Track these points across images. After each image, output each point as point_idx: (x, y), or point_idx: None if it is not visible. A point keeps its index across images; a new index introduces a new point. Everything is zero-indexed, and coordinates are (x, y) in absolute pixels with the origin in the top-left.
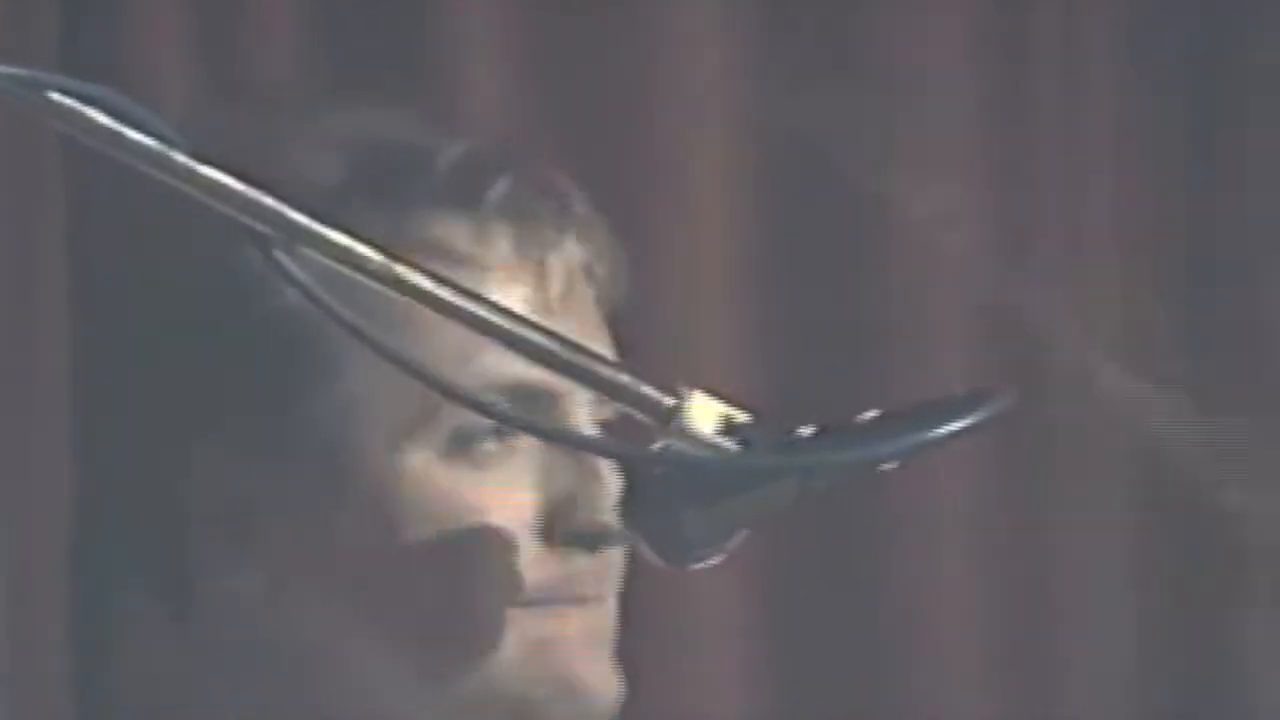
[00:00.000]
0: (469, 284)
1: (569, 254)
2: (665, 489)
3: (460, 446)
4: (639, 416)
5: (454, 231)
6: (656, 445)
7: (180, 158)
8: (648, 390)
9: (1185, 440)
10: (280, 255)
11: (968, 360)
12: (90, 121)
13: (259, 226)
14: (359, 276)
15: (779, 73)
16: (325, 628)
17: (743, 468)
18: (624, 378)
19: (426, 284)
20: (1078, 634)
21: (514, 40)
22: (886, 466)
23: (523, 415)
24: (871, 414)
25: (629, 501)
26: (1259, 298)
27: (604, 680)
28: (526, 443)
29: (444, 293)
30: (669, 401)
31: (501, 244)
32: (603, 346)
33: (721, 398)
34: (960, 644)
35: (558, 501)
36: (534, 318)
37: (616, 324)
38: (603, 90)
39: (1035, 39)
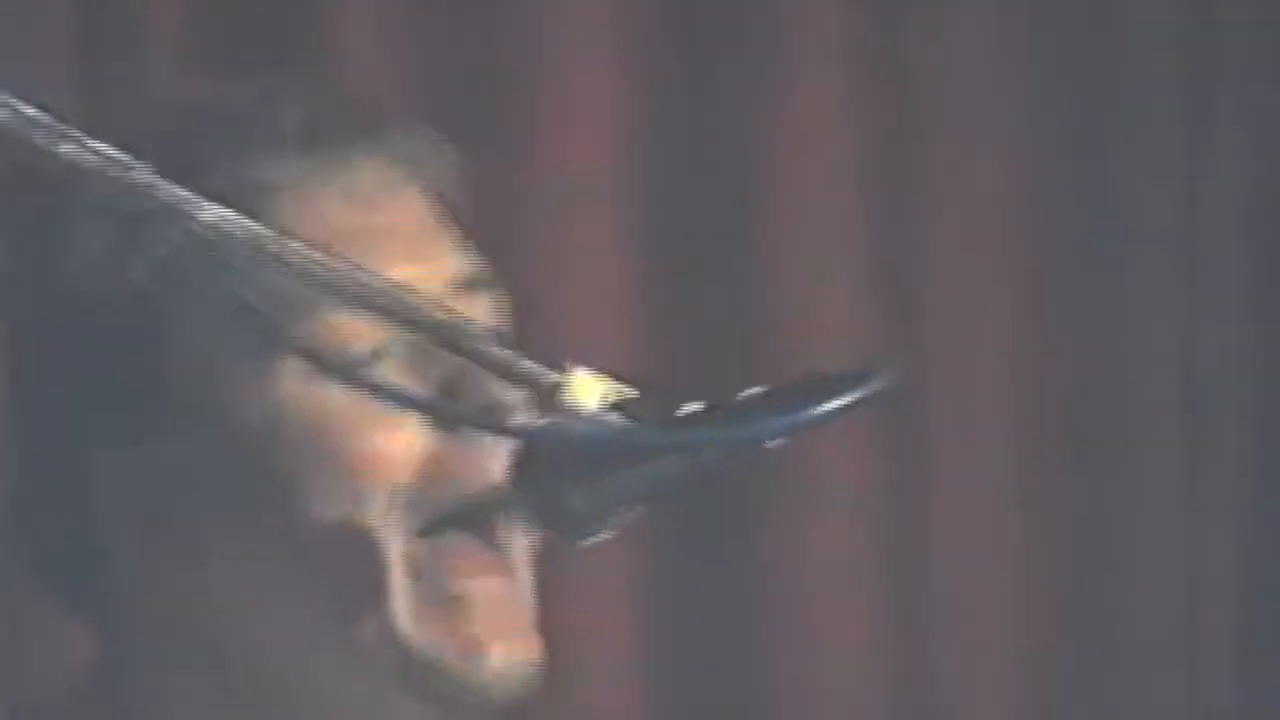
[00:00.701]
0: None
1: (374, 151)
2: (551, 465)
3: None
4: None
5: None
6: (541, 421)
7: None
8: (530, 366)
9: (1064, 412)
10: (151, 232)
11: (851, 336)
12: None
13: (131, 204)
14: (239, 251)
15: (664, 48)
16: (242, 602)
17: (628, 444)
18: (506, 353)
19: (307, 257)
20: (959, 613)
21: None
22: (773, 443)
23: (395, 385)
24: (757, 390)
25: (517, 476)
26: (1126, 275)
27: (519, 644)
28: (399, 348)
29: (324, 267)
30: (552, 377)
31: (296, 163)
32: (442, 240)
33: (607, 374)
34: (844, 622)
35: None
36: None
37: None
38: (483, 71)
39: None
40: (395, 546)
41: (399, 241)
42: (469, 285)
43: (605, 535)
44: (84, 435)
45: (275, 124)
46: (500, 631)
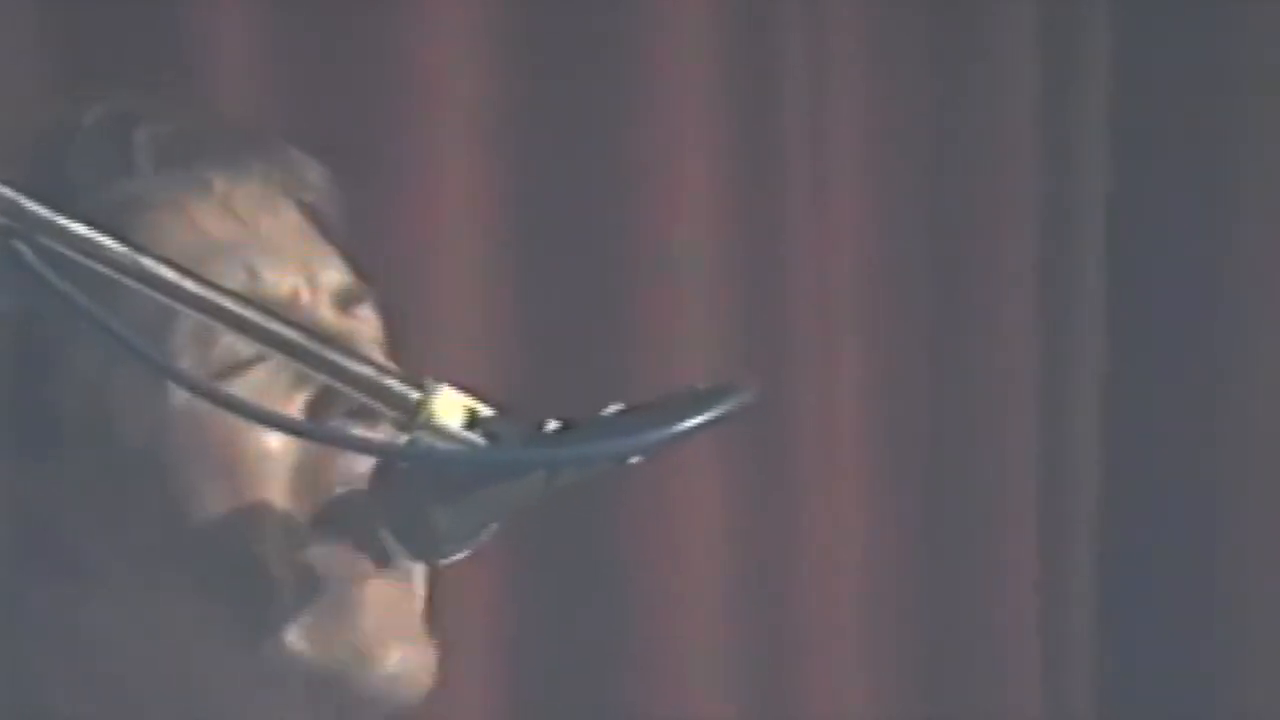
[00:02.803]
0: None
1: (249, 166)
2: (412, 483)
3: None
4: (383, 410)
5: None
6: (403, 439)
7: None
8: (392, 383)
9: (925, 423)
10: (19, 247)
11: (710, 353)
12: None
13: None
14: (100, 268)
15: (528, 65)
16: (137, 623)
17: (490, 462)
18: (367, 370)
19: (168, 274)
20: (821, 625)
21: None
22: (634, 460)
23: (258, 407)
24: (617, 408)
25: (376, 495)
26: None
27: (412, 650)
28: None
29: (187, 284)
30: (414, 395)
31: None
32: (320, 253)
33: (468, 391)
34: (705, 637)
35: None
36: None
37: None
38: (351, 85)
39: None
40: (282, 558)
41: (279, 253)
42: (347, 299)
43: (463, 554)
44: None
45: (143, 141)
46: (393, 637)
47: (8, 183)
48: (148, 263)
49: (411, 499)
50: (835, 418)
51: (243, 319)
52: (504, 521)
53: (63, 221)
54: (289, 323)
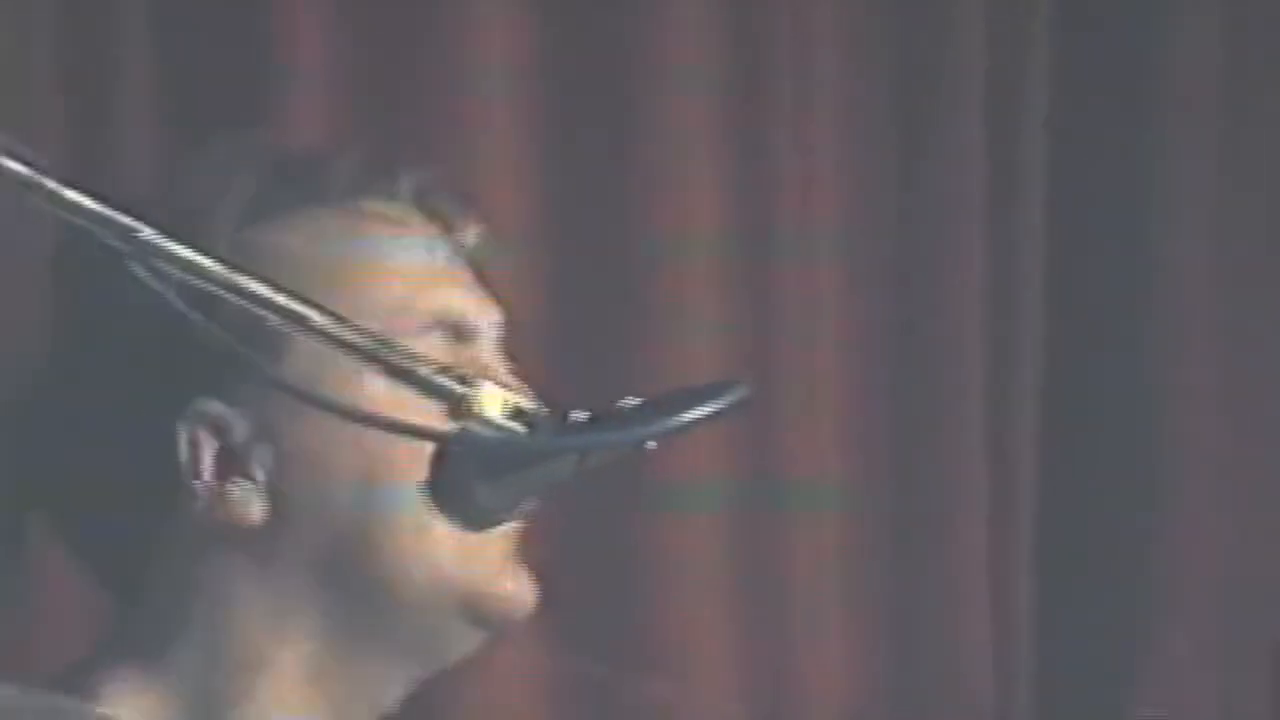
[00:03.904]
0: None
1: (464, 227)
2: (462, 465)
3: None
4: (438, 403)
5: (383, 210)
6: (454, 428)
7: (49, 183)
8: (445, 381)
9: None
10: (135, 268)
11: (708, 356)
12: None
13: (118, 243)
14: (206, 285)
15: (560, 72)
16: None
17: (528, 448)
18: (424, 369)
19: (264, 291)
20: (799, 582)
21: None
22: (649, 445)
23: (341, 402)
24: (634, 401)
25: (432, 476)
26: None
27: (521, 582)
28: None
29: (280, 298)
30: (463, 390)
31: (417, 216)
32: (485, 296)
33: (509, 387)
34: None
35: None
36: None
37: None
38: (412, 115)
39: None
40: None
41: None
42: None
43: (506, 524)
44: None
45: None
46: (509, 568)
47: (125, 210)
48: (241, 279)
49: (460, 479)
50: (812, 412)
51: (326, 330)
52: (539, 497)
53: (169, 244)
54: (363, 332)
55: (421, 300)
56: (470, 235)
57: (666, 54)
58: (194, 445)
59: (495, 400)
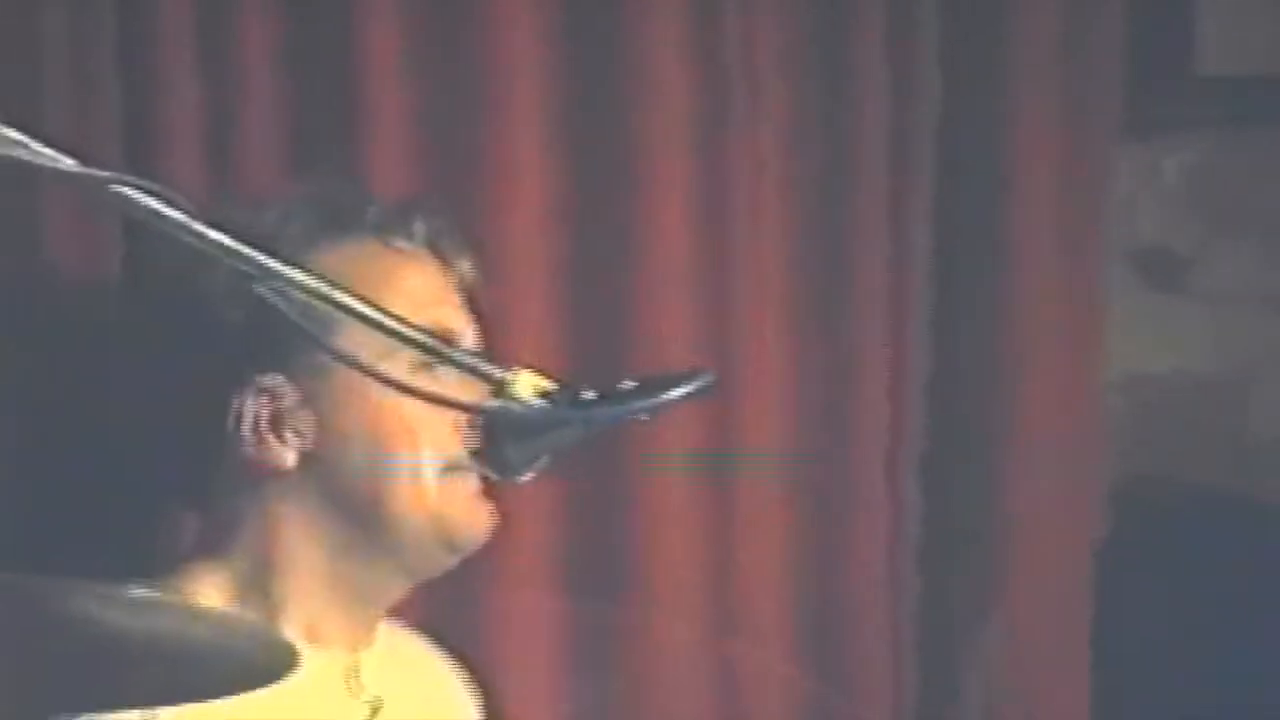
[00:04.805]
0: (411, 271)
1: (459, 263)
2: (499, 431)
3: (420, 369)
4: (483, 384)
5: (401, 245)
6: (494, 403)
7: (200, 226)
8: (489, 368)
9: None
10: (262, 289)
11: (686, 349)
12: (142, 204)
13: (248, 269)
14: (310, 299)
15: (579, 88)
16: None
17: (549, 418)
18: (473, 360)
19: (356, 305)
20: (754, 531)
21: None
22: (642, 418)
23: (401, 380)
24: (629, 382)
25: (477, 439)
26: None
27: (485, 514)
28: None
29: (365, 309)
30: (501, 375)
31: (425, 253)
32: (463, 315)
33: (536, 371)
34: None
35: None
36: (415, 319)
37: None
38: (455, 151)
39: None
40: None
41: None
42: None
43: (529, 477)
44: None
45: (409, 226)
46: (476, 504)
47: (247, 242)
48: (336, 293)
49: (498, 441)
50: (767, 394)
51: (396, 330)
52: (554, 456)
53: (283, 268)
54: (425, 331)
55: (423, 315)
56: (464, 269)
57: (644, 75)
58: (254, 405)
59: (528, 382)
